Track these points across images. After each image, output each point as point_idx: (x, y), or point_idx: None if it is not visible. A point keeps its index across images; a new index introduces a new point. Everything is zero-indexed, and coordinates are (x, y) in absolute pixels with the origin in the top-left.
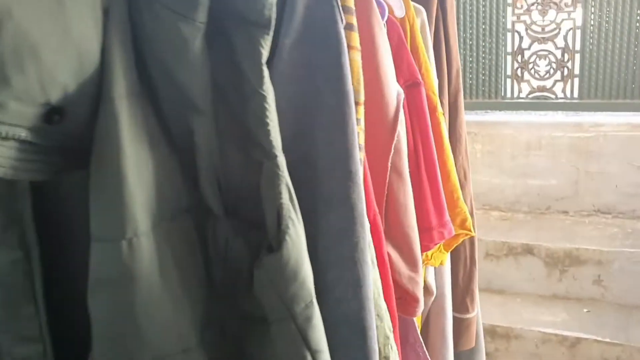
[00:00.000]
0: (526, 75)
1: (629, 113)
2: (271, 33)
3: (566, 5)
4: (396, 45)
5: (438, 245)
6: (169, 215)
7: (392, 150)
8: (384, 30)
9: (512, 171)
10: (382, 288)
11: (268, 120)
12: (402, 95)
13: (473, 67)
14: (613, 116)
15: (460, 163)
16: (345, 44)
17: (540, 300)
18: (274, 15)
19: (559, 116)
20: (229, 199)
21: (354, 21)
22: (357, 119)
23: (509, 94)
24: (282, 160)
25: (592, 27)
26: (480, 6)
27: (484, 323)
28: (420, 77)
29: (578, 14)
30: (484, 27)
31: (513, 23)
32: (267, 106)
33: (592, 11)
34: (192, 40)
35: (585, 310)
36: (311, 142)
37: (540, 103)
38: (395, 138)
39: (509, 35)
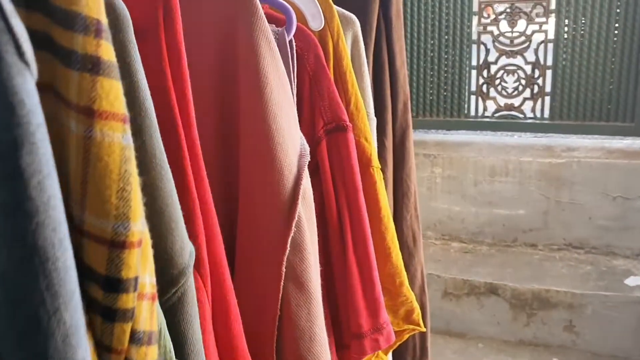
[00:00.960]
0: (492, 92)
1: (605, 137)
2: None
3: (537, 15)
4: (312, 71)
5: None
6: None
7: (288, 248)
8: (276, 51)
9: (475, 198)
10: None
11: None
12: (307, 157)
13: (434, 82)
14: (587, 140)
15: (409, 224)
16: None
17: (505, 346)
18: None
19: (528, 138)
20: None
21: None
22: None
23: (472, 112)
24: None
25: (565, 41)
26: (443, 14)
27: None
28: (347, 119)
29: (550, 26)
30: (446, 37)
31: (479, 34)
32: None
33: (566, 23)
34: None
35: (554, 359)
36: None
37: (507, 123)
38: (293, 228)
39: (474, 47)
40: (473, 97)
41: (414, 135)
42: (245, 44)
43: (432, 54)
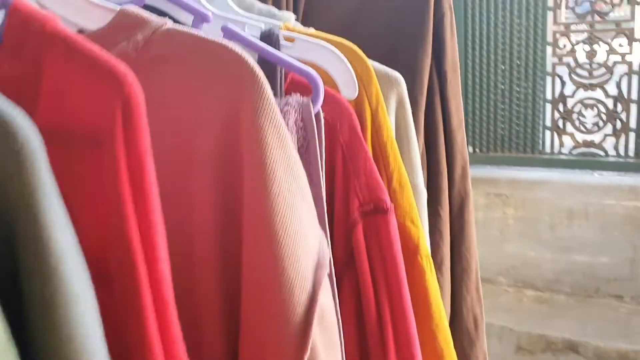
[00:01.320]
0: (569, 127)
1: None
2: None
3: (620, 45)
4: (346, 144)
5: None
6: None
7: None
8: (288, 140)
9: (552, 243)
10: None
11: None
12: (325, 268)
13: (505, 116)
14: None
15: (469, 306)
16: None
17: None
18: None
19: (611, 177)
20: None
21: None
22: None
23: (548, 149)
24: None
25: None
26: (515, 45)
27: None
28: (387, 198)
29: (635, 56)
30: (518, 69)
31: (554, 65)
32: None
33: None
34: None
35: None
36: None
37: (586, 161)
38: None
39: (548, 79)
40: (548, 133)
41: (483, 172)
42: (249, 133)
43: (502, 87)
